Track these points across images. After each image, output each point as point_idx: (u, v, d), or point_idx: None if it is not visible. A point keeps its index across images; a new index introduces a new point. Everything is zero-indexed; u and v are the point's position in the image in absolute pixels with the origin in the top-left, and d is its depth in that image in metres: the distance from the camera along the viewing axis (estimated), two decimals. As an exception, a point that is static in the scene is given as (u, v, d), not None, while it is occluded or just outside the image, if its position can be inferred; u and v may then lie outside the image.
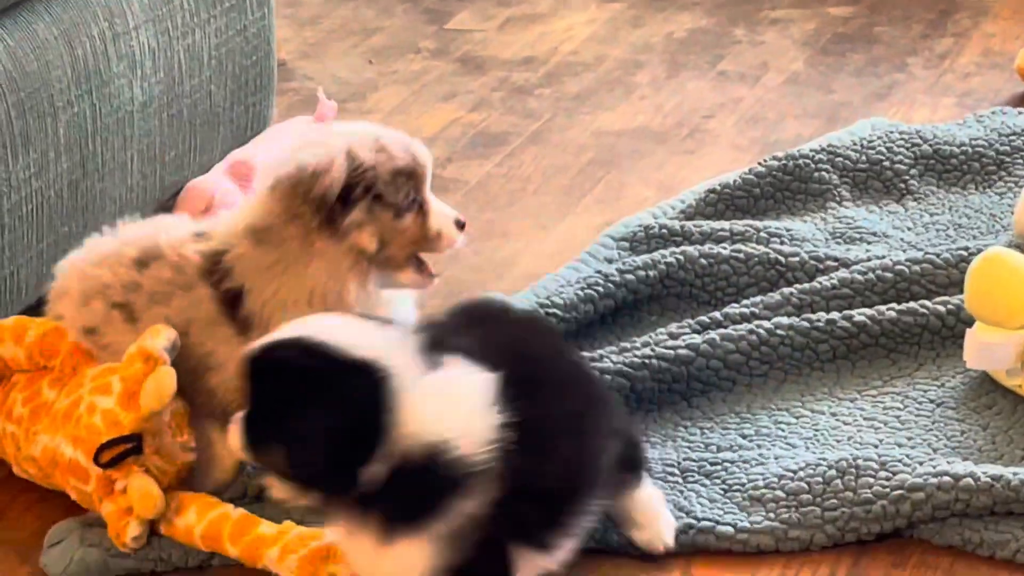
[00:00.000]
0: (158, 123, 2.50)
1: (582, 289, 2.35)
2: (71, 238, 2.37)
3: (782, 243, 2.46)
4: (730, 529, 1.94)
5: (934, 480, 1.92)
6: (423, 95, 3.13)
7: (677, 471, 2.04)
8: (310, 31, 3.42)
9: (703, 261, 2.40)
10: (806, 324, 2.24)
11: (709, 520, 1.95)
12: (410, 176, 2.02)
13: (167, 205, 2.58)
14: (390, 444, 1.68)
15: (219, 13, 2.61)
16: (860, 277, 2.32)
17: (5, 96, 2.22)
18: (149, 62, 2.47)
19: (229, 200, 2.58)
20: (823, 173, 2.63)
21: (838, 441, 2.08)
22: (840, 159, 2.66)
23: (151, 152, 2.50)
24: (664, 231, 2.52)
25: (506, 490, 1.70)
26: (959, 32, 3.23)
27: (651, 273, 2.38)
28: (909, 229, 2.53)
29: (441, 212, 2.06)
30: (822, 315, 2.25)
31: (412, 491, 1.69)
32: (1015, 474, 1.92)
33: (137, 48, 2.44)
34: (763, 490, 1.98)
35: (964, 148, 2.68)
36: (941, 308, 2.24)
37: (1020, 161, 2.64)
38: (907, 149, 2.68)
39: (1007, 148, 2.67)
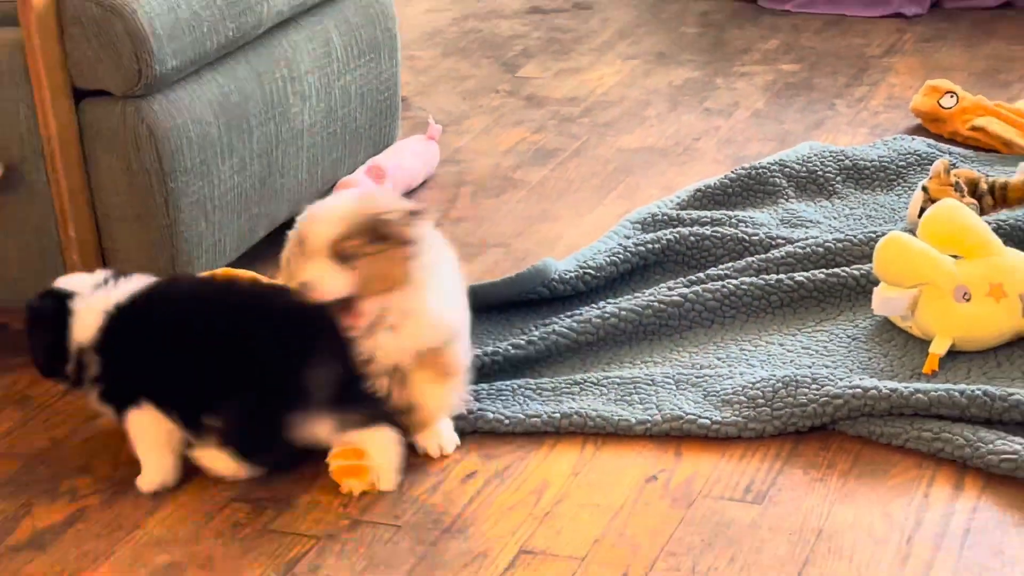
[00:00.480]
0: (320, 138, 2.50)
1: (608, 256, 2.34)
2: (259, 217, 2.38)
3: (747, 227, 2.44)
4: (708, 421, 1.94)
5: (850, 391, 1.91)
6: (500, 122, 3.12)
7: (672, 382, 2.03)
8: (424, 76, 3.40)
9: (692, 238, 2.38)
10: (762, 282, 2.22)
11: (693, 415, 1.94)
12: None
13: (324, 195, 2.58)
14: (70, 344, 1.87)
15: (363, 63, 2.61)
16: (800, 251, 2.30)
17: (218, 118, 2.23)
18: (315, 96, 2.47)
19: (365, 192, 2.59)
20: (775, 178, 2.61)
21: (784, 363, 2.06)
22: (788, 169, 2.63)
23: (315, 158, 2.50)
24: (665, 217, 2.50)
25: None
26: (871, 83, 3.19)
27: (656, 246, 2.37)
28: (835, 219, 2.51)
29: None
30: (774, 276, 2.24)
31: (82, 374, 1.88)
32: (905, 387, 1.91)
33: (307, 86, 2.44)
34: (731, 396, 1.97)
35: (874, 162, 2.65)
36: (856, 272, 2.22)
37: (913, 172, 2.61)
38: (834, 163, 2.65)
39: (904, 163, 2.64)
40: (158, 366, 1.83)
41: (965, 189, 2.35)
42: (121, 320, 1.86)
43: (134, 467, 1.90)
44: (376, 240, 1.78)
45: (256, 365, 1.79)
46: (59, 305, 1.88)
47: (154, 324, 1.85)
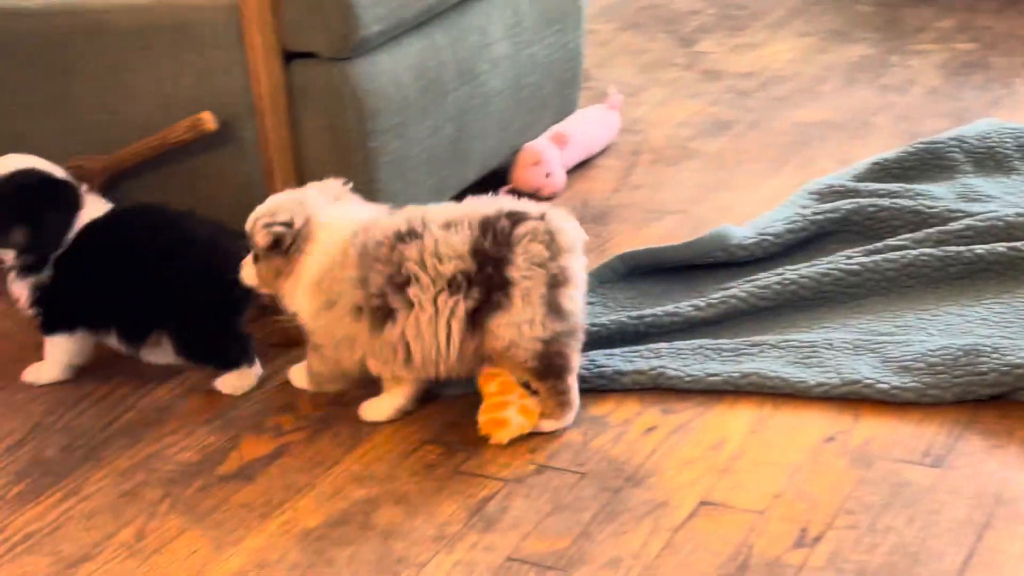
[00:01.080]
0: (509, 104, 2.54)
1: (786, 224, 2.33)
2: (450, 177, 2.42)
3: (925, 200, 2.41)
4: (886, 386, 1.92)
5: (1031, 361, 1.89)
6: (677, 95, 3.12)
7: (850, 346, 2.01)
8: (602, 49, 3.42)
9: (870, 209, 2.36)
10: (941, 253, 2.19)
11: (872, 379, 1.93)
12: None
13: (509, 159, 2.62)
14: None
15: (550, 33, 2.63)
16: (980, 224, 2.26)
17: (416, 81, 2.28)
18: (504, 63, 2.50)
19: (549, 157, 2.62)
20: (953, 153, 2.57)
21: (962, 333, 2.03)
22: (966, 144, 2.59)
23: (503, 124, 2.54)
24: (842, 188, 2.48)
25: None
26: (1051, 62, 3.13)
27: (834, 216, 2.35)
28: (1013, 194, 2.45)
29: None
30: (952, 248, 2.20)
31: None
32: (1089, 359, 1.88)
33: (497, 53, 2.48)
34: (909, 362, 1.95)
35: (1055, 140, 2.60)
36: (1037, 247, 2.18)
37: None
38: (1013, 140, 2.60)
39: (1087, 140, 2.59)
40: (104, 291, 2.00)
41: None
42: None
43: (334, 407, 1.97)
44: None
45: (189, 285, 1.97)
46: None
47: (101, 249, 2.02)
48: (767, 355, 2.02)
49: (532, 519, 1.72)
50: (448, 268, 1.83)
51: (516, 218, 1.85)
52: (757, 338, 2.07)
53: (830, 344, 2.02)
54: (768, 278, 2.19)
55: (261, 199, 2.19)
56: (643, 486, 1.78)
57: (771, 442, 1.86)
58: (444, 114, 2.34)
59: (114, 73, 2.22)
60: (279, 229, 1.88)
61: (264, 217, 1.90)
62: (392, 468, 1.85)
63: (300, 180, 2.22)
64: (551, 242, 1.84)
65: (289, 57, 2.16)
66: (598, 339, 2.08)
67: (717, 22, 3.56)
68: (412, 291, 1.83)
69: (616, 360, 2.03)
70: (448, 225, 1.85)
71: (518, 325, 1.83)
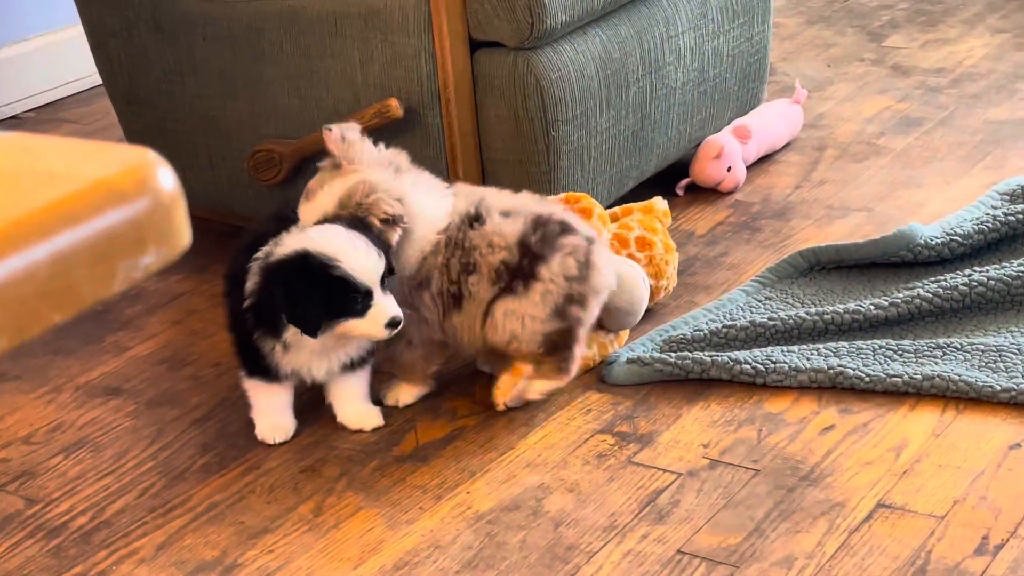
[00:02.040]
0: (692, 97, 2.51)
1: (976, 225, 2.26)
2: (630, 169, 2.41)
3: (1124, 203, 2.32)
4: (978, 384, 1.86)
5: None
6: (865, 90, 3.05)
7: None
8: (788, 43, 3.36)
9: (1065, 211, 2.28)
10: None
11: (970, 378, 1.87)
12: None
13: (689, 153, 2.60)
14: None
15: (736, 26, 2.60)
16: None
17: (599, 72, 2.27)
18: (689, 55, 2.48)
19: (731, 151, 2.58)
20: None
21: None
22: None
23: (685, 116, 2.51)
24: (1037, 189, 2.40)
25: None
26: None
27: (1026, 217, 2.28)
28: None
29: None
30: None
31: None
32: None
33: (682, 45, 2.45)
34: (1104, 370, 1.88)
35: None
36: None
37: None
38: None
39: None
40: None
41: None
42: None
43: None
44: None
45: None
46: None
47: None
48: (951, 358, 1.96)
49: (704, 514, 1.71)
50: (497, 257, 1.84)
51: (566, 228, 1.88)
52: (941, 340, 2.01)
53: (1019, 349, 1.95)
54: (955, 279, 2.13)
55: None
56: (819, 486, 1.75)
57: (953, 446, 1.81)
58: (626, 105, 2.33)
59: (306, 59, 2.27)
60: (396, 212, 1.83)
61: (385, 196, 1.83)
62: (565, 456, 1.85)
63: (482, 167, 2.24)
64: (585, 266, 1.86)
65: (475, 46, 2.18)
66: (776, 334, 2.05)
67: (909, 17, 3.47)
68: (472, 279, 1.85)
69: (793, 357, 1.99)
70: (505, 214, 1.87)
71: (522, 316, 1.84)
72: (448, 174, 2.20)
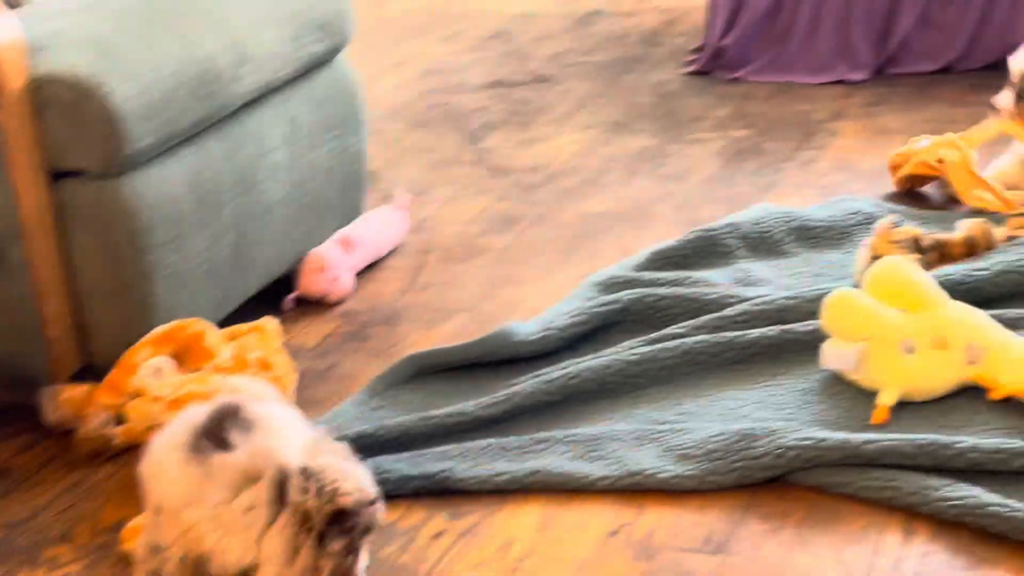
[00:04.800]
0: (291, 212, 2.51)
1: (570, 318, 2.35)
2: (233, 288, 2.38)
3: (702, 287, 2.45)
4: (667, 475, 1.93)
5: (803, 442, 1.92)
6: (465, 191, 3.14)
7: (633, 438, 2.03)
8: (392, 149, 3.42)
9: (650, 299, 2.39)
10: (718, 340, 2.23)
11: (653, 469, 1.94)
12: None
13: (294, 266, 2.59)
14: None
15: (330, 138, 2.62)
16: (754, 308, 2.31)
17: (191, 193, 2.23)
18: (283, 171, 2.48)
19: (336, 262, 2.59)
20: (729, 239, 2.63)
21: (739, 417, 2.06)
22: (740, 230, 2.65)
23: (285, 231, 2.51)
24: (624, 279, 2.51)
25: None
26: (819, 146, 3.23)
27: (616, 307, 2.38)
28: (787, 277, 2.52)
29: None
30: (729, 334, 2.24)
31: None
32: (856, 437, 1.91)
33: (276, 161, 2.45)
34: (689, 450, 1.97)
35: (823, 222, 2.68)
36: (807, 328, 2.22)
37: (859, 231, 2.63)
38: (785, 224, 2.68)
39: (850, 222, 2.67)
40: None
41: (909, 246, 2.37)
42: None
43: (113, 534, 1.89)
44: None
45: None
46: None
47: None
48: (553, 451, 2.02)
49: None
50: None
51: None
52: (544, 434, 2.07)
53: (614, 436, 2.03)
54: (553, 372, 2.20)
55: (36, 322, 2.12)
56: (431, 594, 1.75)
57: (558, 539, 1.85)
58: (222, 225, 2.30)
59: None
60: None
61: None
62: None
63: (76, 300, 2.15)
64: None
65: (59, 175, 2.11)
66: (385, 443, 2.06)
67: (504, 118, 3.61)
68: None
69: (403, 465, 2.00)
70: None
71: None
72: (35, 311, 2.11)
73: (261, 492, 1.60)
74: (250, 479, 1.61)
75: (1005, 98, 2.70)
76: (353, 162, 2.70)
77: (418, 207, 3.02)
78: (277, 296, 2.56)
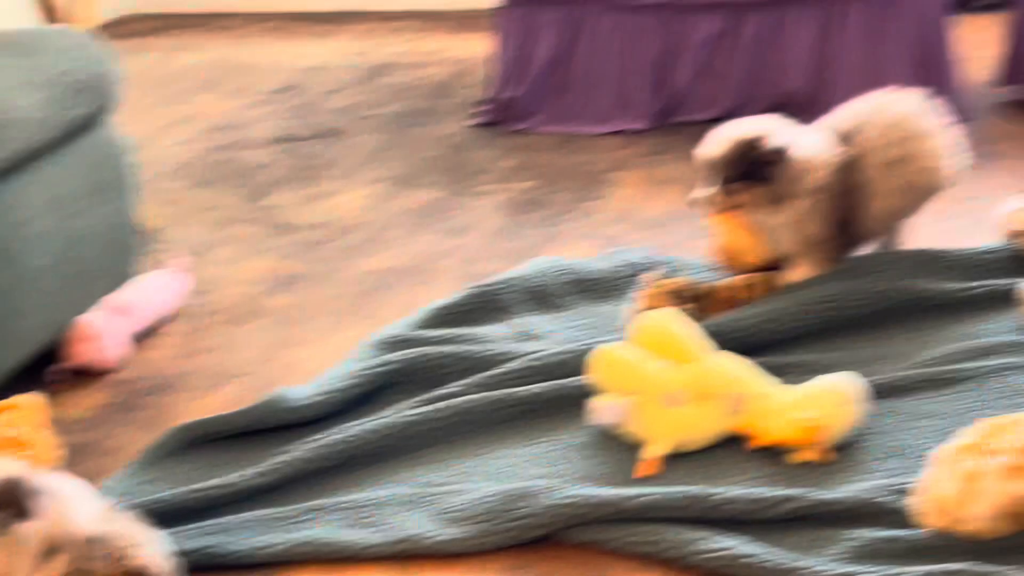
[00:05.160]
0: (55, 280, 2.44)
1: (346, 381, 2.32)
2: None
3: (479, 343, 2.46)
4: (441, 538, 1.92)
5: (572, 500, 1.93)
6: (248, 250, 3.10)
7: (407, 501, 2.01)
8: (173, 208, 3.36)
9: (428, 357, 2.38)
10: (492, 398, 2.24)
11: (423, 534, 1.93)
12: None
13: (62, 335, 2.51)
14: None
15: (97, 203, 2.56)
16: (527, 365, 2.32)
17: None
18: (47, 238, 2.41)
19: (106, 329, 2.52)
20: (507, 294, 2.64)
21: (512, 476, 2.07)
22: (519, 284, 2.67)
23: (50, 300, 2.43)
24: (403, 338, 2.50)
25: None
26: (600, 196, 3.28)
27: (392, 367, 2.37)
28: (564, 330, 2.54)
29: None
30: (503, 391, 2.25)
31: None
32: (623, 492, 1.93)
33: (38, 229, 2.38)
34: (460, 511, 1.97)
35: (598, 274, 2.71)
36: (579, 383, 2.25)
37: (631, 283, 2.66)
38: (562, 276, 2.70)
39: (624, 274, 2.70)
40: None
41: (675, 298, 2.42)
42: None
43: None
44: None
45: None
46: None
47: None
48: (327, 519, 1.99)
49: None
50: None
51: None
52: (317, 502, 2.04)
53: (388, 500, 2.02)
54: (328, 437, 2.17)
55: None
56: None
57: (328, 611, 1.83)
58: (-21, 298, 2.23)
59: None
60: None
61: None
62: None
63: None
64: None
65: None
66: (157, 517, 2.00)
67: (290, 174, 3.58)
68: None
69: (174, 538, 1.95)
70: None
71: None
72: None
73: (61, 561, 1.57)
74: (53, 547, 1.58)
75: (701, 191, 2.45)
76: (122, 226, 2.64)
77: (199, 268, 2.97)
78: (46, 366, 2.48)
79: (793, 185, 2.36)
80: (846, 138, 2.46)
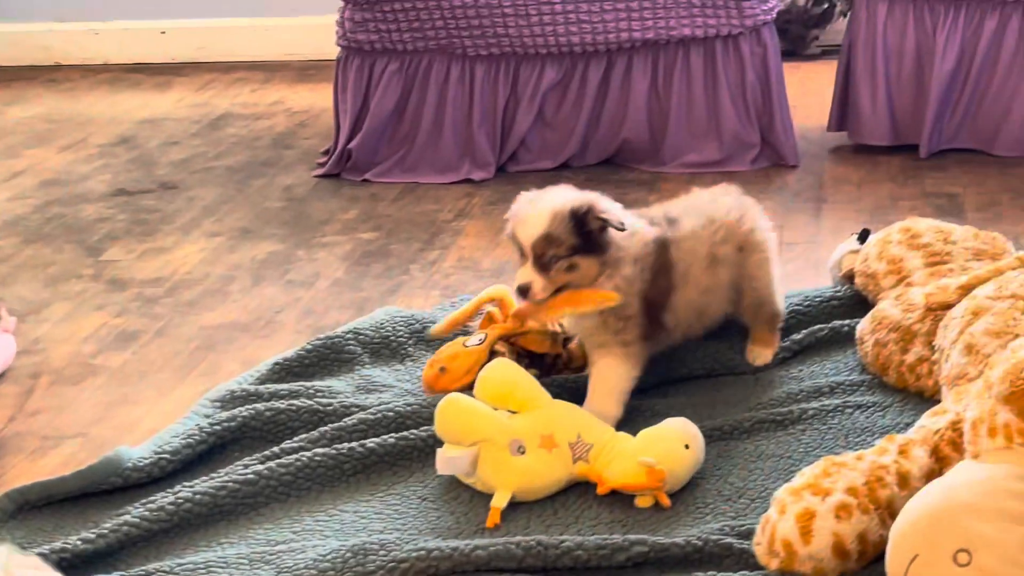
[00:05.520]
0: None
1: (184, 439, 2.27)
2: None
3: (323, 397, 2.43)
4: (282, 599, 1.89)
5: (415, 553, 1.90)
6: (83, 308, 3.01)
7: (246, 561, 1.97)
8: (3, 266, 3.26)
9: (268, 413, 2.34)
10: (335, 451, 2.21)
11: (266, 595, 1.90)
12: None
13: None
14: None
15: (-81, 262, 2.47)
16: (372, 417, 2.30)
17: None
18: None
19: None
20: (351, 346, 2.61)
21: (356, 531, 2.04)
22: (362, 336, 2.64)
23: None
24: (244, 393, 2.45)
25: None
26: (443, 246, 3.28)
27: (233, 424, 2.32)
28: (409, 382, 2.52)
29: None
30: (347, 444, 2.22)
31: None
32: (466, 544, 1.92)
33: None
34: (303, 570, 1.92)
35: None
36: (424, 434, 2.23)
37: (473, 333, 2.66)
38: (406, 327, 2.68)
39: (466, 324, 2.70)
40: None
41: (508, 343, 2.42)
42: None
43: None
44: None
45: None
46: None
47: None
48: (167, 585, 1.94)
49: None
50: None
51: None
52: (152, 565, 1.98)
53: (225, 562, 1.97)
54: (163, 498, 2.12)
55: None
56: None
57: None
58: None
59: None
60: None
61: None
62: None
63: None
64: None
65: None
66: (-18, 590, 1.92)
67: (127, 228, 3.50)
68: None
69: (1, 611, 1.87)
70: None
71: None
72: None
73: None
74: None
75: (528, 274, 2.21)
76: (-52, 285, 2.54)
77: (30, 327, 2.88)
78: None
79: (618, 255, 2.21)
80: (670, 222, 2.31)
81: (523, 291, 2.19)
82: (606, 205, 2.23)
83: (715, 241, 2.34)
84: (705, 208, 2.38)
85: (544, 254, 2.18)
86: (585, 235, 2.18)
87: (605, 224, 2.19)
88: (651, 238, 2.27)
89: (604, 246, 2.20)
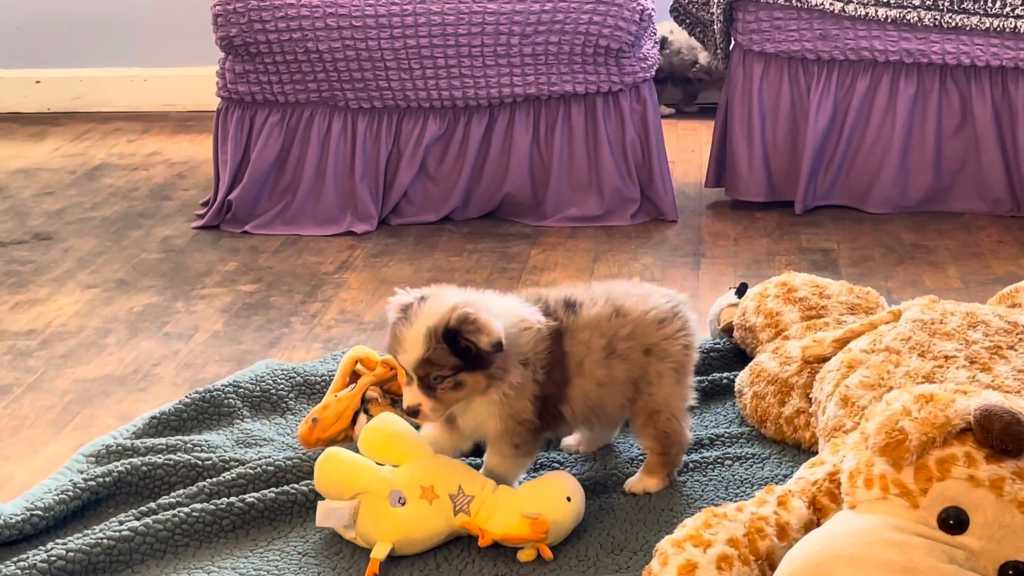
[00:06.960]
0: None
1: (58, 495, 2.22)
2: None
3: (201, 451, 2.39)
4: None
5: (296, 609, 1.89)
6: (-49, 361, 2.94)
7: (122, 620, 1.93)
8: None
9: (144, 468, 2.30)
10: (214, 507, 2.17)
11: (141, 654, 1.85)
12: None
13: None
14: None
15: None
16: (252, 471, 2.26)
17: None
18: None
19: None
20: (230, 399, 2.58)
21: (235, 587, 2.02)
22: (242, 389, 2.61)
23: None
24: (120, 448, 2.41)
25: None
26: (325, 298, 3.26)
27: (107, 479, 2.27)
28: (289, 435, 2.50)
29: None
30: (225, 499, 2.19)
31: None
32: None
33: None
34: (180, 628, 1.90)
35: (324, 377, 2.68)
36: (305, 488, 2.21)
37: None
38: (287, 380, 2.66)
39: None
40: None
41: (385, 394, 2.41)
42: None
43: None
44: None
45: None
46: None
47: None
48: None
49: None
50: None
51: None
52: (22, 625, 1.93)
53: (102, 621, 1.92)
54: (36, 556, 2.06)
55: None
56: None
57: None
58: None
59: None
60: None
61: None
62: None
63: None
64: None
65: None
66: None
67: (-2, 279, 3.43)
68: None
69: None
70: None
71: None
72: None
73: None
74: None
75: (415, 395, 2.09)
76: None
77: None
78: None
79: (504, 365, 2.07)
80: (569, 307, 2.17)
81: (413, 413, 2.08)
82: (483, 316, 2.04)
83: (617, 335, 2.16)
84: (620, 299, 2.19)
85: (427, 375, 2.05)
86: (463, 352, 2.05)
87: (476, 346, 2.03)
88: (545, 333, 2.12)
89: (488, 359, 2.05)
